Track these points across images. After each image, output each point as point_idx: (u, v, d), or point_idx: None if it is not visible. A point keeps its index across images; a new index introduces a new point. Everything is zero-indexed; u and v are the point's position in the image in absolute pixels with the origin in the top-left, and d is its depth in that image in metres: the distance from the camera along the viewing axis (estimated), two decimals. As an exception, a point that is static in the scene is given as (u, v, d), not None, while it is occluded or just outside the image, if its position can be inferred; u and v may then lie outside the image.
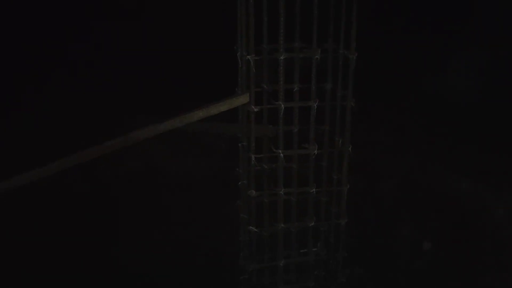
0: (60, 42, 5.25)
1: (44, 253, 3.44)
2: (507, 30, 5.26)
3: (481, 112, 5.23)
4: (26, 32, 5.22)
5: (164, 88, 5.17)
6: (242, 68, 2.78)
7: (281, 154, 2.79)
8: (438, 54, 5.54)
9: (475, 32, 5.43)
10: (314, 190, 2.92)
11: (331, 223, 3.12)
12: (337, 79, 2.88)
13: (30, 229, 3.64)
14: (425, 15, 5.61)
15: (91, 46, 5.22)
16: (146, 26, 5.28)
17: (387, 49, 5.37)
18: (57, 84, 5.09)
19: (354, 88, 2.82)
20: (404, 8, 5.55)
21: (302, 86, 2.78)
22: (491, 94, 5.29)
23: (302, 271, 3.17)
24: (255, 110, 2.77)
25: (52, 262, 3.36)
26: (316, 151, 2.84)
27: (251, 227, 2.97)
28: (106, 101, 5.03)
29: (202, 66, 5.15)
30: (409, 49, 5.48)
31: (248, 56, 2.67)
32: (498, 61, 5.37)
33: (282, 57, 2.66)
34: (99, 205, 4.03)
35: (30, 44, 5.22)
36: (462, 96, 5.30)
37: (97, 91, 5.13)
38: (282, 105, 2.72)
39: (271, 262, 3.08)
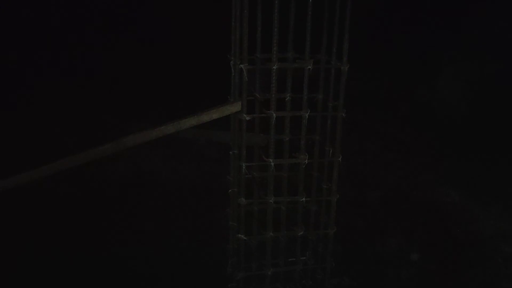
0: (56, 48, 5.26)
1: (33, 257, 3.42)
2: (497, 45, 5.32)
3: (470, 125, 5.28)
4: (22, 36, 5.21)
5: (156, 95, 5.18)
6: (234, 77, 2.79)
7: (272, 163, 2.80)
8: (428, 66, 5.59)
9: (466, 45, 5.49)
10: (303, 199, 2.93)
11: (320, 232, 3.13)
12: (329, 90, 2.90)
13: (20, 232, 3.61)
14: (417, 27, 5.67)
15: (86, 54, 5.23)
16: (141, 34, 5.29)
17: (378, 60, 5.41)
18: (51, 89, 5.08)
19: (345, 99, 2.84)
20: (396, 19, 5.60)
21: (294, 95, 2.80)
22: (479, 106, 5.34)
23: (289, 280, 3.17)
24: (247, 118, 2.77)
25: (41, 266, 3.34)
26: (306, 161, 2.86)
27: (239, 235, 2.97)
28: (99, 106, 5.03)
29: (195, 73, 5.17)
30: (400, 60, 5.53)
31: (241, 65, 2.69)
32: (489, 71, 5.43)
33: (275, 67, 2.68)
34: (89, 209, 4.01)
35: (26, 48, 5.22)
36: (452, 108, 5.36)
37: (90, 96, 5.13)
38: (274, 114, 2.73)
39: (259, 271, 3.08)
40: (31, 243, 3.52)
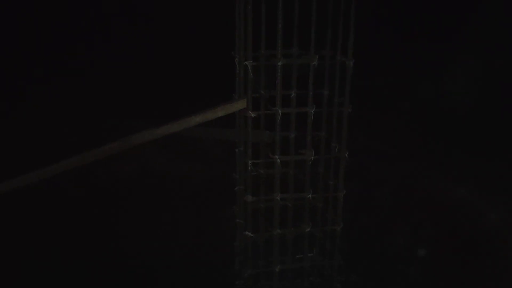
0: (59, 47, 5.26)
1: (38, 257, 3.42)
2: (501, 38, 5.29)
3: (475, 119, 5.26)
4: (25, 36, 5.22)
5: (161, 93, 5.18)
6: (239, 74, 2.78)
7: (278, 160, 2.79)
8: (433, 61, 5.57)
9: (470, 39, 5.47)
10: (310, 195, 2.92)
11: (326, 229, 3.12)
12: (334, 86, 2.88)
13: (25, 232, 3.62)
14: (421, 22, 5.65)
15: (90, 51, 5.23)
16: (144, 31, 5.28)
17: (384, 56, 5.39)
18: (55, 88, 5.08)
19: (351, 95, 2.83)
20: (400, 15, 5.58)
21: (299, 92, 2.79)
22: (485, 101, 5.32)
23: (297, 276, 3.17)
24: (252, 115, 2.77)
25: (46, 266, 3.34)
26: (312, 157, 2.84)
27: (247, 232, 2.96)
28: (104, 105, 5.03)
29: (199, 71, 5.16)
30: (405, 56, 5.51)
31: (246, 62, 2.68)
32: (493, 68, 5.40)
33: (279, 63, 2.66)
34: (94, 209, 4.02)
35: (29, 48, 5.22)
36: (457, 103, 5.34)
37: (95, 95, 5.13)
38: (279, 111, 2.72)
39: (266, 268, 3.08)
40: (38, 242, 3.53)
